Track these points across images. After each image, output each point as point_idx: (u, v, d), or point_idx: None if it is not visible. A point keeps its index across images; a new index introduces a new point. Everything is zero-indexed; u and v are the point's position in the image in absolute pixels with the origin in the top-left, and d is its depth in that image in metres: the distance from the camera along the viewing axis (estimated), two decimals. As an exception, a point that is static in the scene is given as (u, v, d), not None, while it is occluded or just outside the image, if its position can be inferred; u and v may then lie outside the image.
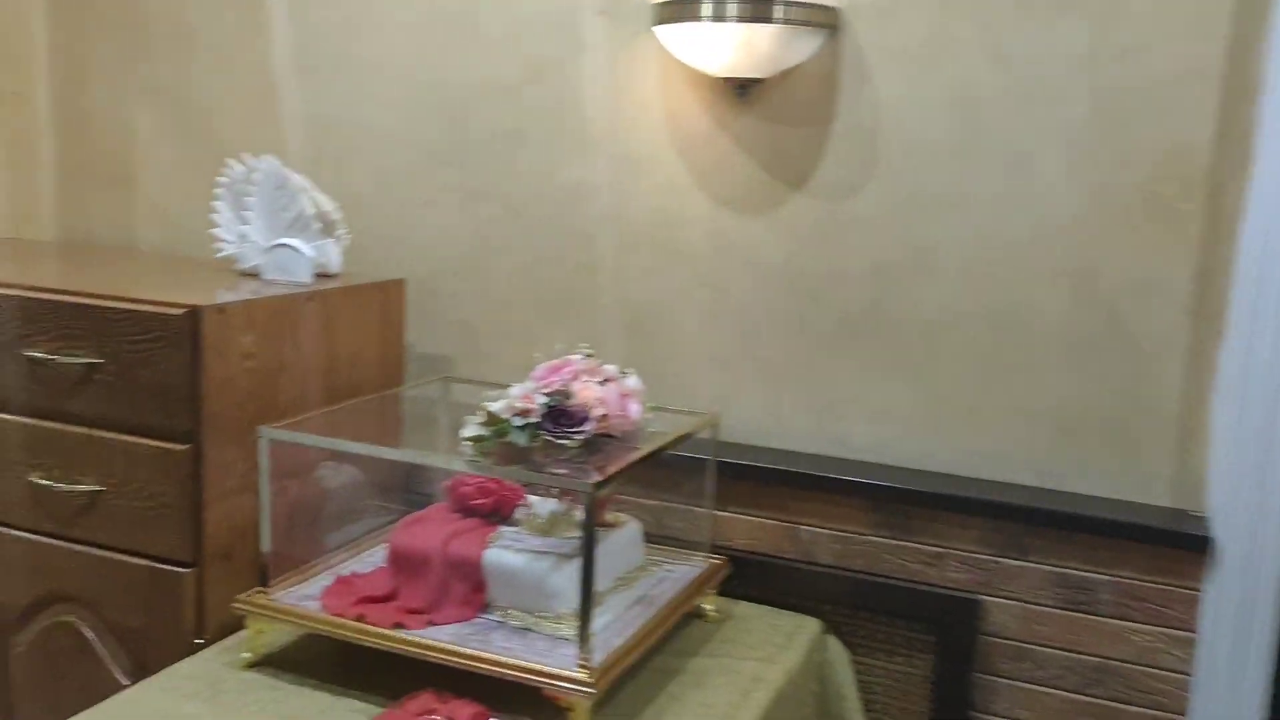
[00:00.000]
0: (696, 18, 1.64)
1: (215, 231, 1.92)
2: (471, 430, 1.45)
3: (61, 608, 1.70)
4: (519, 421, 1.43)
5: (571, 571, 1.48)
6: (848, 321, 1.76)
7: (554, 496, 1.54)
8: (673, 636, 1.59)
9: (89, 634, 1.68)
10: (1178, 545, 1.55)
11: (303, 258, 1.79)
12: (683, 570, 1.69)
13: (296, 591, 1.56)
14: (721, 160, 1.81)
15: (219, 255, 1.92)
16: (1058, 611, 1.61)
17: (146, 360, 1.57)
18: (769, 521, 1.78)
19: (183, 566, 1.60)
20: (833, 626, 1.75)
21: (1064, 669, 1.62)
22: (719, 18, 1.62)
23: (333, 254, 1.87)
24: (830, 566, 1.74)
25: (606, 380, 1.52)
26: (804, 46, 1.68)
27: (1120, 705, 1.61)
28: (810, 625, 1.71)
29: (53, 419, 1.66)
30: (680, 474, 1.81)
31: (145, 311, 1.56)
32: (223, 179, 1.90)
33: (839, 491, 1.71)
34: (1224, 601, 1.55)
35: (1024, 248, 1.64)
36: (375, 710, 1.38)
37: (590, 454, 1.48)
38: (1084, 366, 1.63)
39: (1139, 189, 1.58)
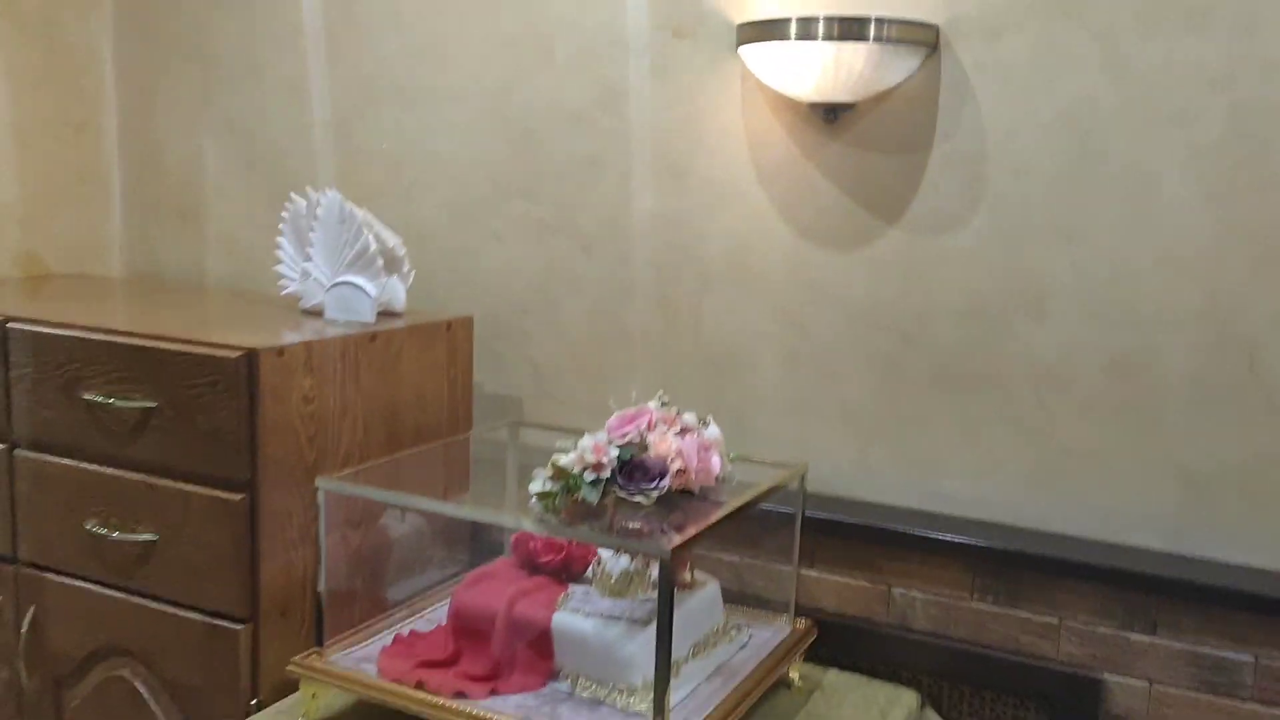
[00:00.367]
0: (783, 37, 1.52)
1: (279, 269, 1.85)
2: (539, 485, 1.34)
3: (117, 661, 1.63)
4: (590, 477, 1.32)
5: (646, 639, 1.36)
6: (944, 365, 1.62)
7: (627, 553, 1.43)
8: (755, 709, 1.46)
9: (143, 690, 1.61)
10: (1328, 620, 1.37)
11: (365, 296, 1.70)
12: (766, 635, 1.56)
13: (355, 653, 1.47)
14: (807, 190, 1.68)
15: (283, 293, 1.85)
16: (1191, 694, 1.43)
17: (203, 405, 1.49)
18: (859, 583, 1.64)
19: (238, 622, 1.52)
20: (931, 700, 1.59)
21: (1195, 756, 1.45)
22: (807, 36, 1.50)
23: (397, 291, 1.78)
24: (928, 634, 1.59)
25: (684, 430, 1.40)
26: (900, 67, 1.55)
27: (1261, 799, 1.43)
28: (907, 698, 1.56)
29: (109, 464, 1.60)
30: (761, 527, 1.68)
31: (201, 354, 1.49)
32: (285, 213, 1.83)
33: (938, 551, 1.57)
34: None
35: (1149, 283, 1.48)
36: (433, 790, 1.28)
37: (668, 511, 1.36)
38: (1218, 417, 1.46)
39: (1280, 219, 1.42)
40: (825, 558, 1.65)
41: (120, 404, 1.56)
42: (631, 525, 1.32)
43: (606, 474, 1.32)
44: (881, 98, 1.61)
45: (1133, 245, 1.48)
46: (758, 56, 1.59)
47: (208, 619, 1.54)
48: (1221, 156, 1.43)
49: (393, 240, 1.78)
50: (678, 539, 1.21)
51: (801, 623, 1.59)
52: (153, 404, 1.54)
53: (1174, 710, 1.45)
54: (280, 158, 2.13)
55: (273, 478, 1.51)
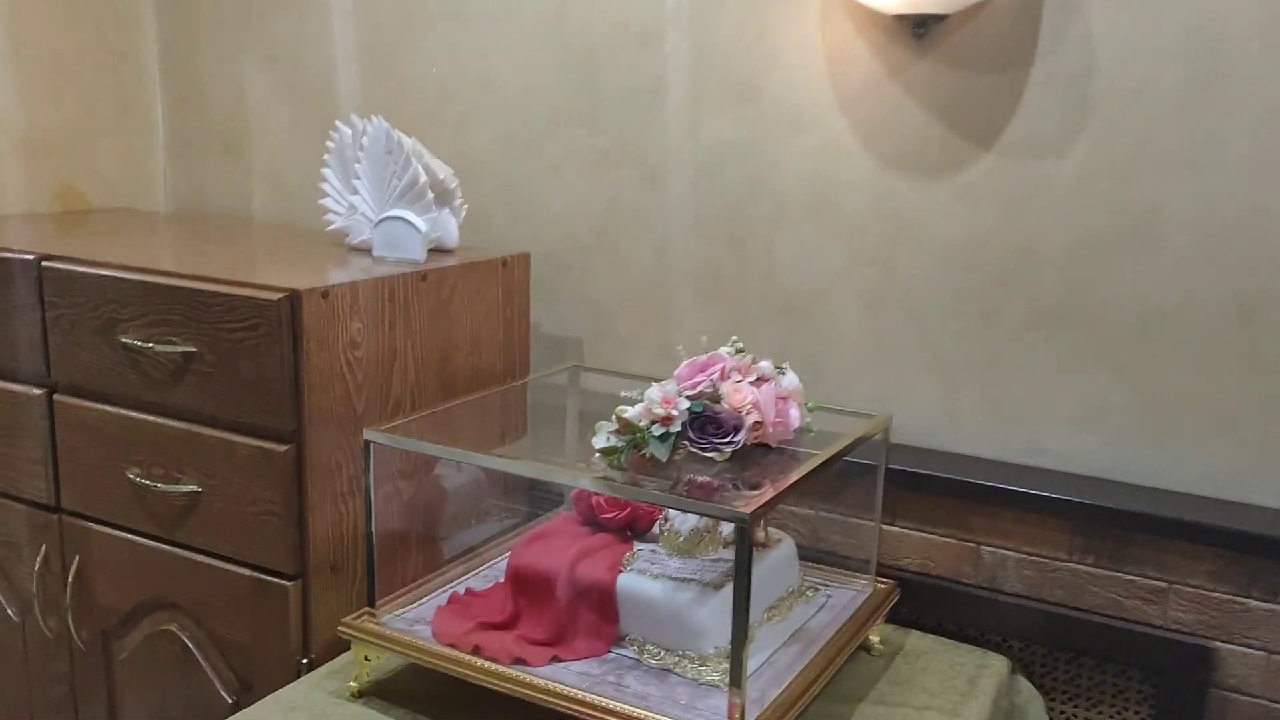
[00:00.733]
0: (871, -57, 1.37)
1: (324, 202, 1.75)
2: (603, 440, 1.24)
3: (164, 615, 1.57)
4: (658, 431, 1.21)
5: (719, 604, 1.27)
6: (1044, 307, 1.47)
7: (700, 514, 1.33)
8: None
9: (191, 645, 1.55)
10: None
11: (416, 232, 1.60)
12: (845, 596, 1.45)
13: (408, 613, 1.39)
14: (892, 114, 1.54)
15: (330, 229, 1.75)
16: (1318, 668, 1.31)
17: (245, 350, 1.40)
18: (945, 540, 1.52)
19: (287, 579, 1.44)
20: (1023, 666, 1.48)
21: (1318, 733, 1.33)
22: (899, -58, 1.35)
23: (449, 226, 1.68)
24: (1021, 596, 1.48)
25: (760, 380, 1.28)
26: (1002, -25, 1.39)
27: (1390, 781, 1.31)
28: (997, 664, 1.45)
29: (150, 412, 1.52)
30: (839, 480, 1.57)
31: (242, 296, 1.39)
32: (330, 143, 1.72)
33: (1035, 508, 1.44)
34: None
35: (1278, 218, 1.32)
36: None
37: (743, 467, 1.25)
38: (1355, 366, 1.31)
39: None
40: (908, 513, 1.54)
41: (159, 348, 1.47)
42: (704, 484, 1.21)
43: (676, 428, 1.21)
44: (977, 8, 1.45)
45: (1261, 177, 1.32)
46: (841, -35, 1.44)
47: (256, 574, 1.47)
48: (1376, 71, 1.26)
49: (444, 172, 1.67)
50: (757, 501, 1.10)
51: (884, 583, 1.48)
52: (193, 349, 1.45)
53: (1296, 685, 1.33)
54: (325, 87, 2.02)
55: (320, 428, 1.42)
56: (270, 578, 1.45)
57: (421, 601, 1.42)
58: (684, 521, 1.40)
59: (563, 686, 1.20)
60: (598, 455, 1.24)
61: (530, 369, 1.81)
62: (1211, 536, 1.33)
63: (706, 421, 1.23)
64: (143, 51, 2.21)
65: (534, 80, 1.80)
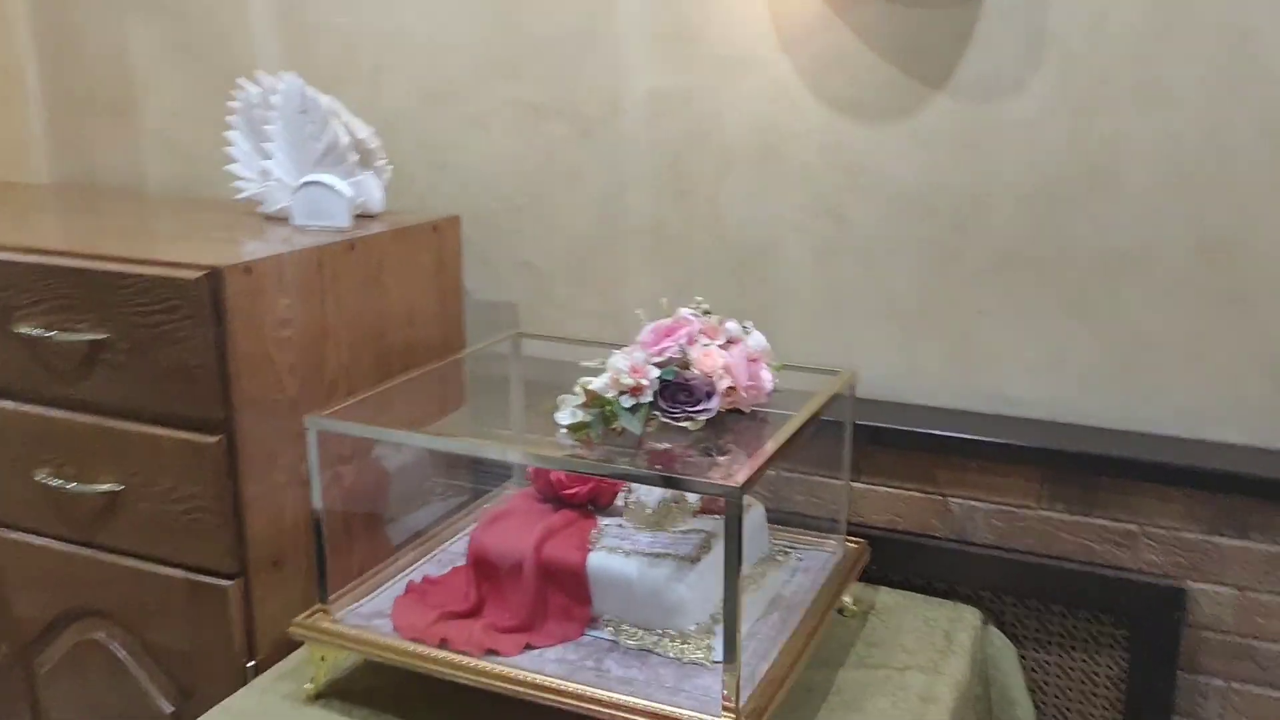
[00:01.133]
0: (822, -127, 1.29)
1: (232, 168, 1.61)
2: (569, 416, 1.16)
3: (89, 624, 1.45)
4: (628, 402, 1.14)
5: (696, 579, 1.21)
6: (1004, 252, 1.44)
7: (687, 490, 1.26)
8: (813, 642, 1.32)
9: (122, 654, 1.43)
10: None
11: (339, 197, 1.48)
12: (816, 558, 1.41)
13: (363, 607, 1.30)
14: (840, 55, 1.47)
15: (239, 197, 1.61)
16: (1288, 601, 1.32)
17: (163, 335, 1.28)
18: (912, 494, 1.49)
19: (226, 578, 1.34)
20: (994, 617, 1.47)
21: (1291, 667, 1.35)
22: (851, -128, 1.27)
23: (373, 190, 1.56)
24: (991, 546, 1.46)
25: (730, 342, 1.22)
26: (956, -95, 1.33)
27: (1357, 706, 1.33)
28: (970, 617, 1.43)
29: (57, 407, 1.39)
30: (804, 439, 1.52)
31: (156, 276, 1.27)
32: (235, 104, 1.59)
33: (1002, 458, 1.42)
34: None
35: (1244, 155, 1.30)
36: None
37: (717, 435, 1.19)
38: (1318, 300, 1.31)
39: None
40: (873, 469, 1.50)
41: (63, 337, 1.34)
42: (681, 456, 1.15)
43: (647, 398, 1.14)
44: (928, -57, 1.39)
45: (1226, 111, 1.30)
46: (788, -103, 1.36)
47: (191, 575, 1.36)
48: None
49: (364, 131, 1.55)
50: (745, 472, 1.04)
51: (855, 542, 1.44)
52: (102, 336, 1.32)
53: (1265, 618, 1.33)
54: (219, 40, 1.86)
55: (251, 415, 1.31)
56: (207, 578, 1.35)
57: (376, 593, 1.33)
58: (649, 494, 1.34)
59: (541, 677, 1.14)
60: (564, 431, 1.16)
61: (466, 339, 1.72)
62: (1181, 477, 1.33)
63: (677, 389, 1.16)
64: (8, 5, 2.01)
65: (450, 29, 1.69)
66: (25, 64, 2.04)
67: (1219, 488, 1.31)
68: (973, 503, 1.46)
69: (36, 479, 1.40)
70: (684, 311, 1.25)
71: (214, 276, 1.25)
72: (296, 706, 1.24)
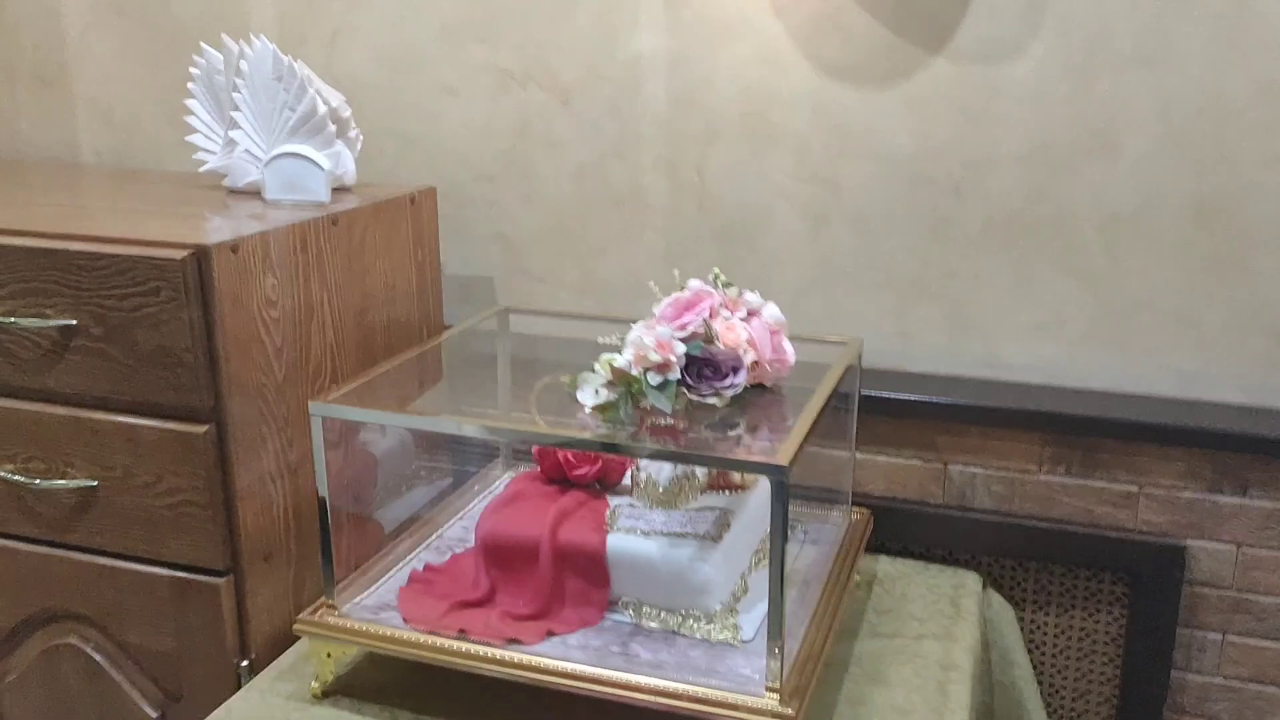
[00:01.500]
0: None
1: (193, 139, 1.51)
2: (592, 395, 1.12)
3: (61, 627, 1.36)
4: (655, 379, 1.11)
5: (720, 558, 1.19)
6: (999, 217, 1.44)
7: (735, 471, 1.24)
8: (828, 615, 1.31)
9: (99, 658, 1.35)
10: None
11: (317, 170, 1.40)
12: (821, 530, 1.40)
13: (366, 599, 1.24)
14: (831, 18, 1.44)
15: (203, 169, 1.52)
16: (1285, 554, 1.36)
17: (143, 319, 1.19)
18: (911, 462, 1.49)
19: (216, 575, 1.27)
20: (991, 580, 1.48)
21: (1286, 619, 1.38)
22: None
23: (348, 162, 1.48)
24: (990, 512, 1.46)
25: (750, 314, 1.19)
26: None
27: (1346, 655, 1.38)
28: (970, 582, 1.44)
29: (21, 398, 1.29)
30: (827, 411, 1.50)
31: (135, 256, 1.18)
32: (196, 70, 1.49)
33: (1002, 423, 1.42)
34: None
35: (1242, 117, 1.31)
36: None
37: (741, 411, 1.16)
38: (1311, 261, 1.34)
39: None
40: (871, 438, 1.49)
41: (27, 324, 1.24)
42: (715, 435, 1.12)
43: (675, 375, 1.11)
44: (926, -96, 1.37)
45: (1224, 72, 1.31)
46: None
47: (176, 573, 1.28)
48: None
49: (336, 99, 1.47)
50: (788, 449, 1.02)
51: (859, 512, 1.43)
52: (71, 321, 1.23)
53: (1263, 572, 1.37)
54: (157, 1, 1.74)
55: (241, 401, 1.24)
56: (195, 575, 1.27)
57: (378, 584, 1.28)
58: (660, 471, 1.30)
59: (572, 665, 1.10)
60: (588, 410, 1.12)
61: (444, 314, 1.66)
62: (1181, 437, 1.35)
63: (702, 364, 1.13)
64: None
65: (422, -10, 1.61)
66: (-60, 27, 1.89)
67: (1219, 446, 1.34)
68: (973, 469, 1.46)
69: (1, 475, 1.31)
70: (694, 283, 1.22)
71: (200, 256, 1.17)
72: (303, 707, 1.19)
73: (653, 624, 1.18)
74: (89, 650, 1.35)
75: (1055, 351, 1.45)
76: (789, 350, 1.20)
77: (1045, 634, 1.48)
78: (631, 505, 1.28)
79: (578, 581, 1.21)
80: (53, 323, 1.23)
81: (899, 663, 1.26)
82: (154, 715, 1.35)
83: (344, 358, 1.40)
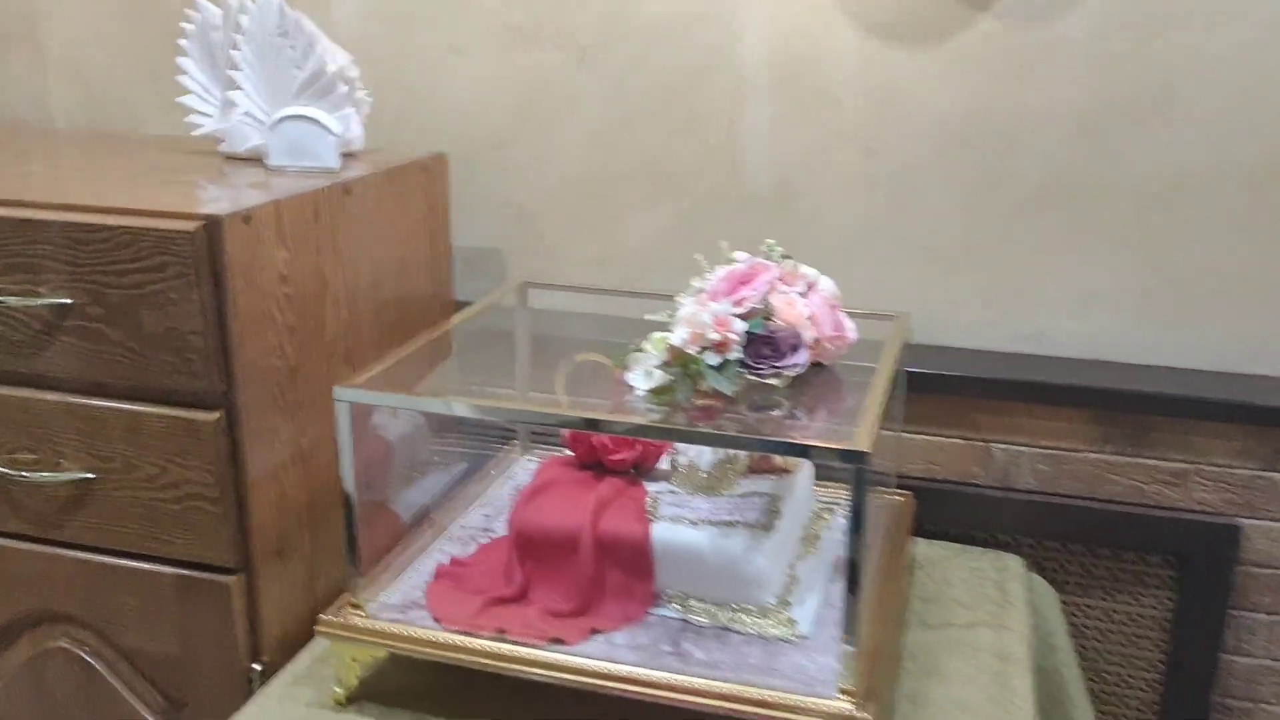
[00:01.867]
0: None
1: (187, 101, 1.40)
2: (644, 378, 1.04)
3: (53, 630, 1.27)
4: (713, 360, 1.03)
5: (773, 548, 1.12)
6: (1048, 183, 1.37)
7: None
8: (878, 605, 1.25)
9: (95, 663, 1.25)
10: None
11: (327, 134, 1.30)
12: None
13: (390, 597, 1.16)
14: (872, -26, 1.36)
15: (197, 133, 1.41)
16: (1351, 535, 1.31)
17: (148, 298, 1.09)
18: (952, 441, 1.43)
19: (226, 573, 1.17)
20: (1034, 563, 1.43)
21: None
22: None
23: (356, 126, 1.38)
24: (1035, 491, 1.41)
25: (809, 289, 1.11)
26: None
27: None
28: (1013, 565, 1.38)
29: (10, 383, 1.18)
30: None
31: (140, 228, 1.08)
32: (189, 25, 1.37)
33: (1049, 399, 1.36)
34: None
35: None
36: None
37: (800, 392, 1.09)
38: (1374, 229, 1.28)
39: None
40: (908, 415, 1.42)
41: (17, 302, 1.13)
42: (778, 419, 1.04)
43: (735, 354, 1.03)
44: None
45: (1290, 31, 1.25)
46: None
47: (181, 571, 1.19)
48: None
49: (343, 58, 1.36)
50: (867, 433, 0.94)
51: (901, 494, 1.37)
52: (66, 300, 1.12)
53: (1319, 551, 1.33)
54: (143, -47, 1.62)
55: (254, 386, 1.14)
56: (202, 574, 1.18)
57: (401, 579, 1.19)
58: (700, 456, 1.23)
59: (621, 667, 1.03)
60: (641, 394, 1.04)
61: (454, 289, 1.56)
62: (1237, 413, 1.30)
63: (762, 343, 1.05)
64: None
65: (428, -59, 1.50)
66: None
67: (1276, 422, 1.29)
68: (1018, 447, 1.40)
69: (-16, 467, 1.20)
70: (741, 255, 1.13)
71: (210, 228, 1.07)
72: (327, 715, 1.10)
73: (702, 619, 1.11)
74: (83, 655, 1.26)
75: (1105, 324, 1.39)
76: (849, 326, 1.12)
77: (1089, 618, 1.43)
78: (673, 492, 1.21)
79: (619, 574, 1.13)
80: (45, 301, 1.12)
81: (953, 654, 1.20)
82: (159, 722, 1.26)
83: (359, 336, 1.31)
